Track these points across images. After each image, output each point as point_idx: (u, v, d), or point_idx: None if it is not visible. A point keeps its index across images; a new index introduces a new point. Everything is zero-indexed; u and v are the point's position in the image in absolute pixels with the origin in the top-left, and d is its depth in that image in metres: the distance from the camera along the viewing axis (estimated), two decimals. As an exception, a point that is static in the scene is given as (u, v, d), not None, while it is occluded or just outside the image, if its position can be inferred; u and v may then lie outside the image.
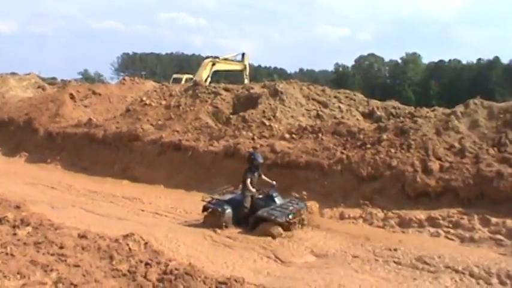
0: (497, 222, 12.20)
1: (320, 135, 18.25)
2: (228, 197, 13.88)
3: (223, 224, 12.96)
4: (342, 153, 16.51)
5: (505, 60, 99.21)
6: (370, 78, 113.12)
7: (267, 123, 21.04)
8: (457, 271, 9.71)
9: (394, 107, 25.32)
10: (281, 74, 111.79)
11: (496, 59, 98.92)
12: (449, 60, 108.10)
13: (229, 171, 17.91)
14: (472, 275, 9.46)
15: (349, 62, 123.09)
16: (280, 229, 12.28)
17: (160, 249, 9.38)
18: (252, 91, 24.95)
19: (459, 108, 16.96)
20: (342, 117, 22.63)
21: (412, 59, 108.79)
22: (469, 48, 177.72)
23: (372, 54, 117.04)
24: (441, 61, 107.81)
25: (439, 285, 9.19)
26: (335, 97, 25.67)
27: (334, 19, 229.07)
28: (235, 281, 7.36)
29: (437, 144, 15.35)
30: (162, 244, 11.12)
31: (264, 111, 22.32)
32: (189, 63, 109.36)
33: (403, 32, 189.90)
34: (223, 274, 8.42)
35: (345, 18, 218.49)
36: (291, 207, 12.88)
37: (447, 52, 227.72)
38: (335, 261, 10.57)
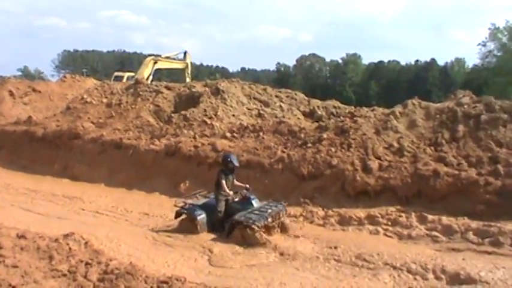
0: (433, 220, 12.54)
1: (261, 134, 18.35)
2: (201, 201, 13.21)
3: (199, 229, 12.29)
4: (283, 152, 16.63)
5: (441, 62, 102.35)
6: (311, 78, 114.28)
7: (209, 121, 21.04)
8: (395, 267, 9.90)
9: (334, 107, 25.63)
10: (223, 73, 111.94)
11: (433, 61, 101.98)
12: (389, 61, 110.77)
13: (170, 170, 17.84)
14: (409, 271, 9.66)
15: (291, 62, 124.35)
16: (260, 234, 11.45)
17: (101, 249, 9.25)
18: (193, 90, 24.95)
19: (398, 109, 17.35)
20: (283, 117, 22.80)
21: (352, 60, 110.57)
22: (407, 50, 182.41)
23: (313, 55, 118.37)
24: (381, 62, 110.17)
25: (377, 281, 9.33)
26: (276, 96, 25.84)
27: (275, 19, 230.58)
28: (177, 280, 7.33)
29: (376, 143, 15.65)
30: (103, 243, 10.91)
31: (205, 110, 22.31)
32: (131, 61, 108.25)
33: (344, 32, 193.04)
34: (165, 273, 8.35)
35: (286, 19, 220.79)
36: (269, 210, 12.11)
37: (386, 53, 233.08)
38: (279, 258, 10.63)
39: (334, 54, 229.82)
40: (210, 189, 13.30)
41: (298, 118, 23.64)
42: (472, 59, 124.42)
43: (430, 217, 12.66)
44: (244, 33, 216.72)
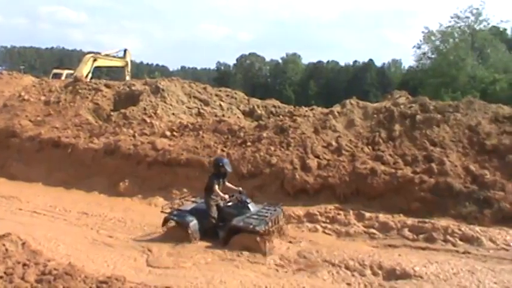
0: (370, 217, 12.81)
1: (201, 132, 18.29)
2: (189, 206, 12.35)
3: (192, 237, 11.37)
4: (223, 150, 16.62)
5: (378, 63, 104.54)
6: (251, 77, 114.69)
7: (148, 120, 20.80)
8: (333, 264, 10.00)
9: (274, 106, 25.81)
10: (163, 72, 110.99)
11: (371, 62, 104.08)
12: (328, 61, 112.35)
13: (109, 168, 17.57)
14: (347, 267, 9.79)
15: (231, 61, 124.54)
16: (264, 241, 10.65)
17: (38, 249, 8.96)
18: (133, 88, 24.61)
19: (336, 108, 17.65)
20: (223, 115, 22.80)
21: (292, 60, 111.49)
22: (346, 50, 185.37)
23: (253, 54, 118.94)
24: (320, 62, 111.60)
25: (317, 278, 9.41)
26: (216, 95, 25.80)
27: (215, 18, 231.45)
28: (116, 279, 7.22)
29: (315, 142, 15.83)
30: (41, 244, 10.65)
31: (145, 109, 22.06)
32: (70, 58, 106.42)
33: (283, 32, 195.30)
34: (104, 273, 8.20)
35: (226, 18, 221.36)
36: (268, 214, 11.27)
37: (325, 54, 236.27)
38: (217, 257, 10.62)
39: (274, 53, 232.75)
40: (150, 187, 13.09)
41: (238, 117, 23.68)
42: (408, 61, 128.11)
43: (367, 214, 12.94)
44: (185, 31, 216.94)
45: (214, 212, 11.66)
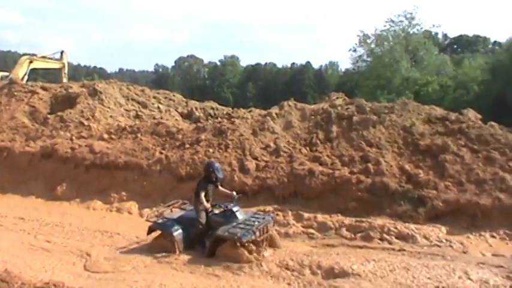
0: (309, 217, 12.98)
1: (139, 135, 18.13)
2: (177, 214, 11.70)
3: (176, 247, 10.79)
4: (161, 153, 16.50)
5: (316, 65, 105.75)
6: (189, 79, 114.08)
7: (86, 123, 20.55)
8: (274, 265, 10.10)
9: (212, 108, 25.92)
10: (101, 74, 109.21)
11: (308, 64, 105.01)
12: (266, 63, 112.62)
13: (46, 172, 17.20)
14: (287, 268, 9.88)
15: (169, 63, 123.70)
16: (243, 251, 10.07)
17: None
18: (70, 90, 24.32)
19: (274, 110, 17.78)
20: (161, 118, 22.74)
21: (230, 62, 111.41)
22: (284, 53, 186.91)
23: (192, 56, 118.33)
24: (258, 64, 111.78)
25: (257, 279, 9.40)
26: (154, 97, 25.71)
27: (153, 20, 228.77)
28: (54, 285, 7.11)
29: (253, 144, 15.92)
30: (-24, 251, 10.38)
31: (82, 111, 21.79)
32: (5, 60, 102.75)
33: (221, 35, 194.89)
34: (42, 279, 8.08)
35: (163, 19, 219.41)
36: (256, 223, 10.53)
37: (263, 56, 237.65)
38: (156, 261, 10.52)
39: (212, 55, 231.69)
40: (87, 191, 12.82)
41: (176, 119, 23.66)
42: (345, 63, 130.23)
43: (306, 215, 13.11)
44: (122, 33, 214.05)
45: (203, 218, 10.93)
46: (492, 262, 10.35)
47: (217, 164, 11.85)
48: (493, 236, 11.99)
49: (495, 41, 71.42)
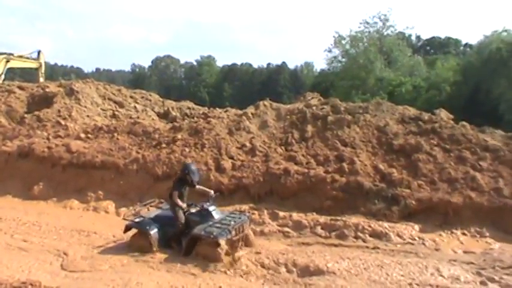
0: (284, 216, 13.09)
1: (116, 134, 18.06)
2: (153, 213, 11.65)
3: (152, 246, 10.76)
4: (138, 152, 16.48)
5: (291, 65, 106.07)
6: (166, 79, 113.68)
7: (63, 122, 20.41)
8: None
9: (189, 108, 25.98)
10: (78, 73, 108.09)
11: (284, 64, 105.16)
12: (242, 64, 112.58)
13: (23, 172, 17.02)
14: (263, 266, 9.99)
15: (146, 63, 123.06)
16: (218, 251, 10.05)
17: None
18: (47, 90, 24.20)
19: (250, 110, 17.89)
20: (138, 117, 22.68)
21: (206, 62, 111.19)
22: (259, 53, 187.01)
23: (168, 56, 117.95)
24: (234, 64, 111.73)
25: (234, 277, 9.49)
26: (131, 97, 25.69)
27: (129, 20, 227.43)
28: (31, 285, 7.09)
29: (229, 143, 16.00)
30: (-49, 251, 10.29)
31: (59, 111, 21.67)
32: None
33: (198, 35, 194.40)
34: (19, 278, 8.05)
35: (140, 19, 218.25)
36: (232, 222, 10.54)
37: (240, 56, 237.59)
38: (133, 260, 10.54)
39: (188, 56, 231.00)
40: (64, 190, 12.75)
41: (153, 119, 23.67)
42: (320, 64, 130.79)
43: (281, 214, 13.22)
44: (99, 32, 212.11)
45: (181, 218, 10.87)
46: (463, 259, 10.64)
47: (193, 167, 11.74)
48: (464, 234, 12.25)
49: (466, 43, 72.72)
